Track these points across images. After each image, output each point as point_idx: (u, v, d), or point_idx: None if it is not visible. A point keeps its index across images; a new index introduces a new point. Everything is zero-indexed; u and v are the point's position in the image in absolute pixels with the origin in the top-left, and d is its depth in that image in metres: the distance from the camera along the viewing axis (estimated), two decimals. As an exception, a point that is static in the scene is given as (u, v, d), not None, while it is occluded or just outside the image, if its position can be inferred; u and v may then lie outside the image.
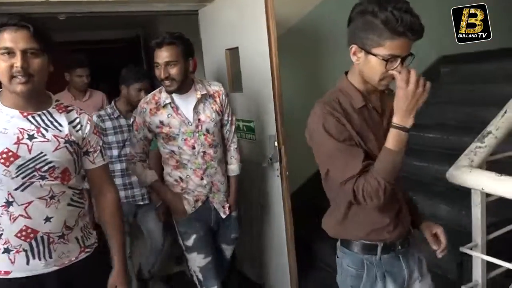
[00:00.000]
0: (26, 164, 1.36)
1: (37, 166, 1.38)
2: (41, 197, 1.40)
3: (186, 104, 2.09)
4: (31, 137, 1.38)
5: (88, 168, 1.56)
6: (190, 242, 2.16)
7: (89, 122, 1.53)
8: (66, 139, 1.44)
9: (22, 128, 1.38)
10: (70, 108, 1.51)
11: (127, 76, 2.59)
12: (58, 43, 5.47)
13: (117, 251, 1.58)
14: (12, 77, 1.32)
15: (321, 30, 3.44)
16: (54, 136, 1.42)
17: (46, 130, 1.41)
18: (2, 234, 1.39)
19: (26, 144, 1.36)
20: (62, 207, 1.44)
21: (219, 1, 2.88)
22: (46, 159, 1.39)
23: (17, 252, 1.39)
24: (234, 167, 2.29)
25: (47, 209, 1.41)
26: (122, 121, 2.57)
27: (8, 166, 1.34)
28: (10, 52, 1.31)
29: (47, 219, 1.41)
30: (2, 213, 1.36)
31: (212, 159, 2.15)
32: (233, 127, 2.26)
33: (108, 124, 2.54)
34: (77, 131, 1.49)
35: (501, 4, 4.03)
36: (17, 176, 1.36)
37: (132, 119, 2.43)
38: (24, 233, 1.39)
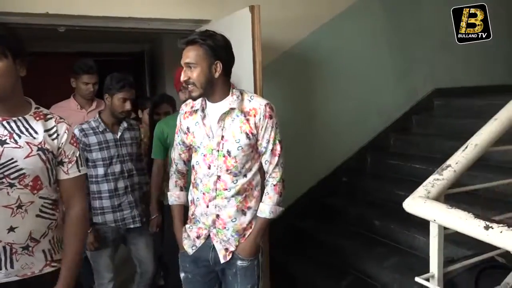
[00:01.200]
0: None
1: (6, 173, 1.35)
2: (7, 205, 1.36)
3: (215, 114, 1.76)
4: (2, 143, 1.36)
5: (61, 179, 1.51)
6: (181, 276, 1.93)
7: (66, 131, 1.49)
8: (40, 146, 1.41)
9: None
10: (49, 116, 1.48)
11: (110, 84, 2.36)
12: (64, 53, 5.54)
13: (66, 268, 1.49)
14: None
15: (314, 56, 3.52)
16: (27, 142, 1.39)
17: (19, 136, 1.39)
18: None
19: None
20: (29, 218, 1.40)
21: (215, 22, 2.97)
22: (17, 165, 1.37)
23: None
24: (264, 207, 1.80)
25: (11, 219, 1.37)
26: (109, 136, 2.35)
27: None
28: None
29: (11, 229, 1.37)
30: None
31: (226, 189, 1.76)
32: (276, 158, 1.79)
33: (92, 139, 2.31)
34: (53, 139, 1.46)
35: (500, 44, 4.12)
36: None
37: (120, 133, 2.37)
38: None
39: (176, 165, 1.95)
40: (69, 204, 1.54)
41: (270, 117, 1.75)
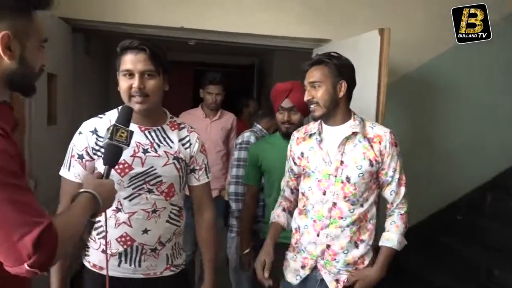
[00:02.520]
0: (138, 176, 1.44)
1: (147, 179, 1.45)
2: (145, 209, 1.46)
3: (334, 139, 1.70)
4: (145, 151, 1.45)
5: (193, 185, 1.61)
6: None
7: (197, 140, 1.58)
8: (175, 155, 1.50)
9: (139, 142, 1.45)
10: (182, 125, 1.57)
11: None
12: (177, 62, 5.96)
13: (207, 266, 1.66)
14: (131, 96, 1.42)
15: (434, 82, 3.31)
16: (165, 152, 1.48)
17: (158, 146, 1.48)
18: (106, 235, 1.43)
19: (140, 157, 1.45)
20: (161, 223, 1.49)
21: (335, 42, 2.96)
22: (156, 173, 1.46)
23: (112, 255, 1.47)
24: (391, 236, 1.71)
25: (147, 222, 1.47)
26: None
27: (123, 177, 1.43)
28: (130, 74, 1.41)
29: (145, 231, 1.47)
30: (110, 217, 1.43)
31: (341, 217, 1.67)
32: (402, 188, 1.72)
33: None
34: (186, 148, 1.54)
35: None
36: (128, 186, 1.44)
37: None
38: (123, 239, 1.46)
39: (283, 192, 1.91)
40: (201, 209, 1.65)
41: (396, 145, 1.70)
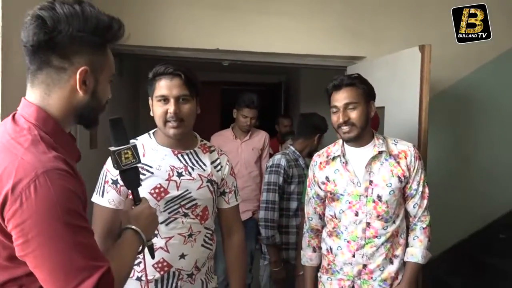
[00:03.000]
0: (174, 200, 1.43)
1: (182, 203, 1.44)
2: (181, 233, 1.44)
3: (359, 160, 1.72)
4: (179, 175, 1.45)
5: (222, 208, 1.60)
6: None
7: (228, 163, 1.58)
8: (209, 178, 1.50)
9: (173, 166, 1.45)
10: (212, 148, 1.58)
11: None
12: (204, 82, 5.98)
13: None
14: (166, 121, 1.42)
15: (473, 97, 3.24)
16: (199, 175, 1.48)
17: (192, 169, 1.48)
18: (141, 262, 1.39)
19: (175, 181, 1.43)
20: (197, 247, 1.48)
21: (370, 60, 2.94)
22: (191, 196, 1.45)
23: (149, 282, 1.42)
24: (415, 251, 1.72)
25: (183, 246, 1.45)
26: (305, 171, 2.35)
27: (158, 201, 1.41)
28: (165, 99, 1.42)
29: (182, 256, 1.45)
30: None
31: (376, 236, 1.69)
32: (425, 201, 1.74)
33: (295, 171, 2.37)
34: (218, 171, 1.54)
35: None
36: (164, 211, 1.42)
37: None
38: (160, 265, 1.43)
39: (310, 221, 1.88)
40: (230, 232, 1.63)
41: (420, 159, 1.74)
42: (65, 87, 0.93)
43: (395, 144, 1.74)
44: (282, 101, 6.01)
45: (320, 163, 1.82)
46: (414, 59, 2.31)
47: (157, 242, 1.42)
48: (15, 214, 0.81)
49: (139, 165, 1.21)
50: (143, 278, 1.41)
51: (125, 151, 1.14)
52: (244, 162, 2.96)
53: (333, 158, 1.78)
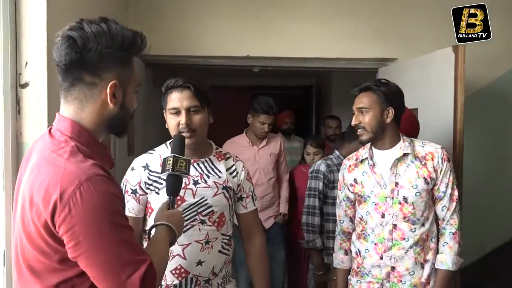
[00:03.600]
0: (190, 207, 1.46)
1: (199, 210, 1.47)
2: (198, 240, 1.47)
3: (386, 162, 1.74)
4: (195, 183, 1.48)
5: (240, 213, 1.62)
6: None
7: (243, 169, 1.60)
8: (224, 185, 1.52)
9: (189, 175, 1.44)
10: (228, 155, 1.60)
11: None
12: (239, 88, 6.06)
13: None
14: (179, 132, 1.46)
15: (510, 96, 3.13)
16: (214, 182, 1.50)
17: (208, 177, 1.51)
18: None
19: (191, 189, 1.46)
20: (214, 253, 1.50)
21: (402, 61, 2.91)
22: (207, 203, 1.48)
23: (167, 287, 1.46)
24: (444, 258, 1.69)
25: (201, 253, 1.47)
26: None
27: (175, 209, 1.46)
28: (177, 111, 1.47)
29: (199, 263, 1.47)
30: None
31: (403, 238, 1.69)
32: (454, 204, 1.71)
33: (337, 176, 2.25)
34: (233, 177, 1.56)
35: None
36: None
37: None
38: (178, 271, 1.46)
39: (341, 224, 1.89)
40: (250, 236, 1.65)
41: (448, 160, 1.72)
42: (97, 101, 0.99)
43: (423, 147, 1.75)
44: (314, 104, 5.99)
45: (349, 166, 1.85)
46: (448, 59, 2.27)
47: (174, 249, 1.45)
48: (65, 220, 0.87)
49: (156, 173, 1.37)
50: (163, 283, 1.47)
51: (182, 160, 1.28)
52: (262, 169, 2.83)
53: (362, 161, 1.81)
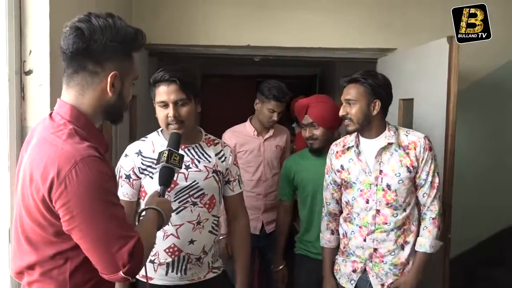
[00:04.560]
0: (183, 190, 1.57)
1: (191, 193, 1.58)
2: (190, 221, 1.58)
3: (371, 150, 1.81)
4: (187, 167, 1.58)
5: (228, 195, 1.73)
6: None
7: (231, 154, 1.71)
8: (214, 169, 1.63)
9: (181, 169, 1.52)
10: (216, 141, 1.71)
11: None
12: (243, 76, 6.13)
13: (240, 269, 1.76)
14: (168, 124, 1.56)
15: (509, 86, 3.14)
16: (205, 166, 1.61)
17: (199, 162, 1.61)
18: (153, 247, 1.53)
19: (183, 173, 1.57)
20: (204, 233, 1.61)
21: (400, 52, 2.94)
22: (198, 186, 1.59)
23: (160, 264, 1.59)
24: (423, 241, 1.79)
25: (192, 233, 1.58)
26: None
27: (169, 192, 1.55)
28: (165, 104, 1.55)
29: (191, 242, 1.58)
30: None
31: (385, 223, 1.77)
32: (434, 191, 1.79)
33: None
34: (222, 162, 1.67)
35: None
36: (175, 200, 1.56)
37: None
38: (171, 249, 1.57)
39: (328, 206, 1.98)
40: (236, 217, 1.77)
41: (430, 149, 1.79)
42: (97, 88, 1.07)
43: (406, 136, 1.81)
44: (317, 94, 6.01)
45: (336, 152, 1.92)
46: (442, 50, 2.30)
47: (168, 229, 1.56)
48: (61, 196, 0.96)
49: (150, 158, 1.52)
50: (156, 261, 1.58)
51: (176, 154, 1.39)
52: (268, 162, 2.59)
53: (348, 148, 1.88)
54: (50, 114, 1.10)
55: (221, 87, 6.08)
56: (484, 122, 3.19)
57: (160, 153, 1.40)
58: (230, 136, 2.58)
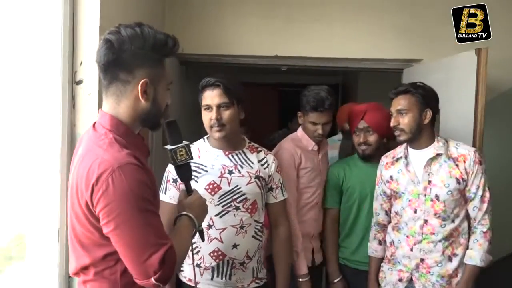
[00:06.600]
0: (226, 194, 1.63)
1: (234, 197, 1.64)
2: (234, 225, 1.63)
3: (420, 161, 1.84)
4: (230, 172, 1.65)
5: (270, 202, 1.77)
6: None
7: (274, 161, 1.77)
8: (256, 175, 1.69)
9: (224, 165, 1.66)
10: (259, 149, 1.78)
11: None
12: (262, 85, 6.12)
13: (279, 278, 1.79)
14: (211, 126, 1.64)
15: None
16: (248, 172, 1.68)
17: (241, 167, 1.68)
18: (199, 251, 1.63)
19: (226, 178, 1.64)
20: (248, 238, 1.66)
21: (427, 62, 2.97)
22: (241, 191, 1.65)
23: (206, 269, 1.64)
24: (473, 254, 1.77)
25: (236, 237, 1.63)
26: None
27: (213, 195, 1.62)
28: (209, 108, 1.64)
29: (235, 246, 1.63)
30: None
31: (433, 233, 1.79)
32: (485, 205, 1.78)
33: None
34: (265, 168, 1.73)
35: None
36: (218, 204, 1.63)
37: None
38: (215, 253, 1.62)
39: (377, 216, 2.02)
40: (277, 224, 1.81)
41: (480, 163, 1.80)
42: (130, 97, 1.11)
43: (456, 148, 1.84)
44: (339, 103, 6.04)
45: (386, 163, 1.98)
46: (470, 62, 2.33)
47: (212, 233, 1.62)
48: (100, 200, 1.02)
49: (195, 163, 1.47)
50: (202, 265, 1.63)
51: (180, 149, 1.27)
52: (323, 178, 2.21)
53: (397, 159, 1.93)
54: (94, 124, 1.16)
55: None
56: (509, 133, 3.18)
57: (169, 157, 1.33)
58: (293, 146, 2.09)
